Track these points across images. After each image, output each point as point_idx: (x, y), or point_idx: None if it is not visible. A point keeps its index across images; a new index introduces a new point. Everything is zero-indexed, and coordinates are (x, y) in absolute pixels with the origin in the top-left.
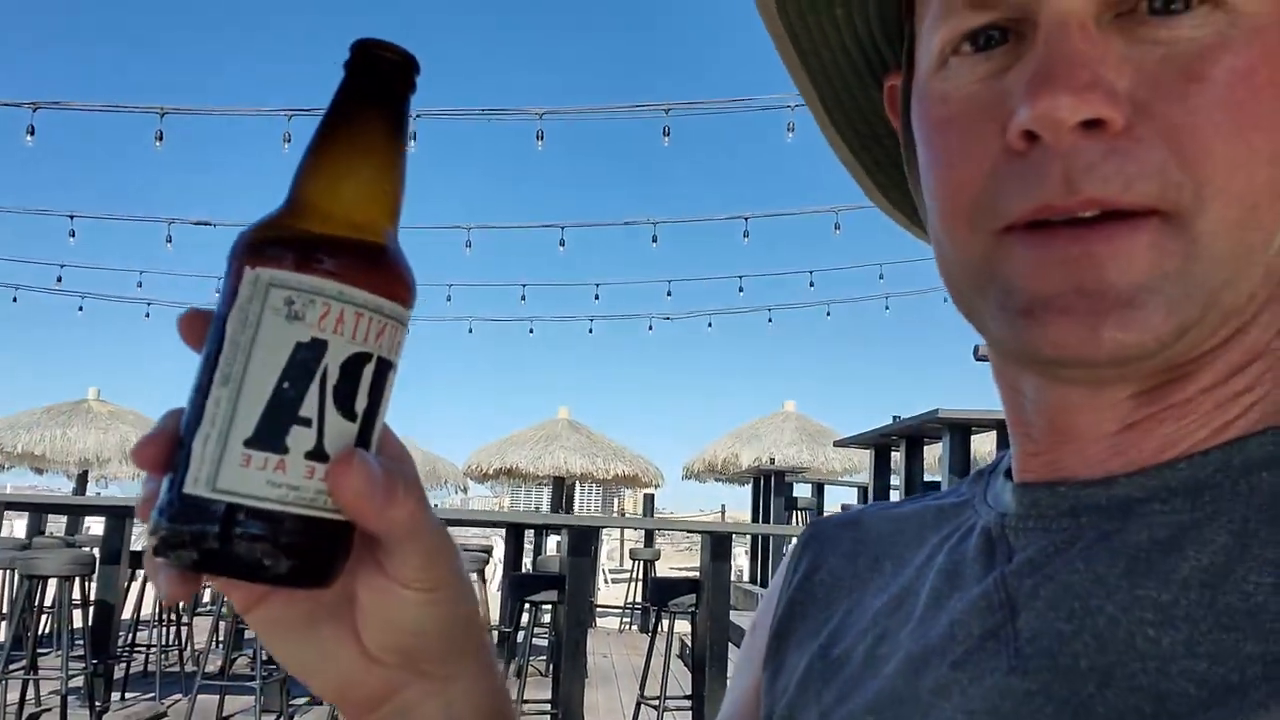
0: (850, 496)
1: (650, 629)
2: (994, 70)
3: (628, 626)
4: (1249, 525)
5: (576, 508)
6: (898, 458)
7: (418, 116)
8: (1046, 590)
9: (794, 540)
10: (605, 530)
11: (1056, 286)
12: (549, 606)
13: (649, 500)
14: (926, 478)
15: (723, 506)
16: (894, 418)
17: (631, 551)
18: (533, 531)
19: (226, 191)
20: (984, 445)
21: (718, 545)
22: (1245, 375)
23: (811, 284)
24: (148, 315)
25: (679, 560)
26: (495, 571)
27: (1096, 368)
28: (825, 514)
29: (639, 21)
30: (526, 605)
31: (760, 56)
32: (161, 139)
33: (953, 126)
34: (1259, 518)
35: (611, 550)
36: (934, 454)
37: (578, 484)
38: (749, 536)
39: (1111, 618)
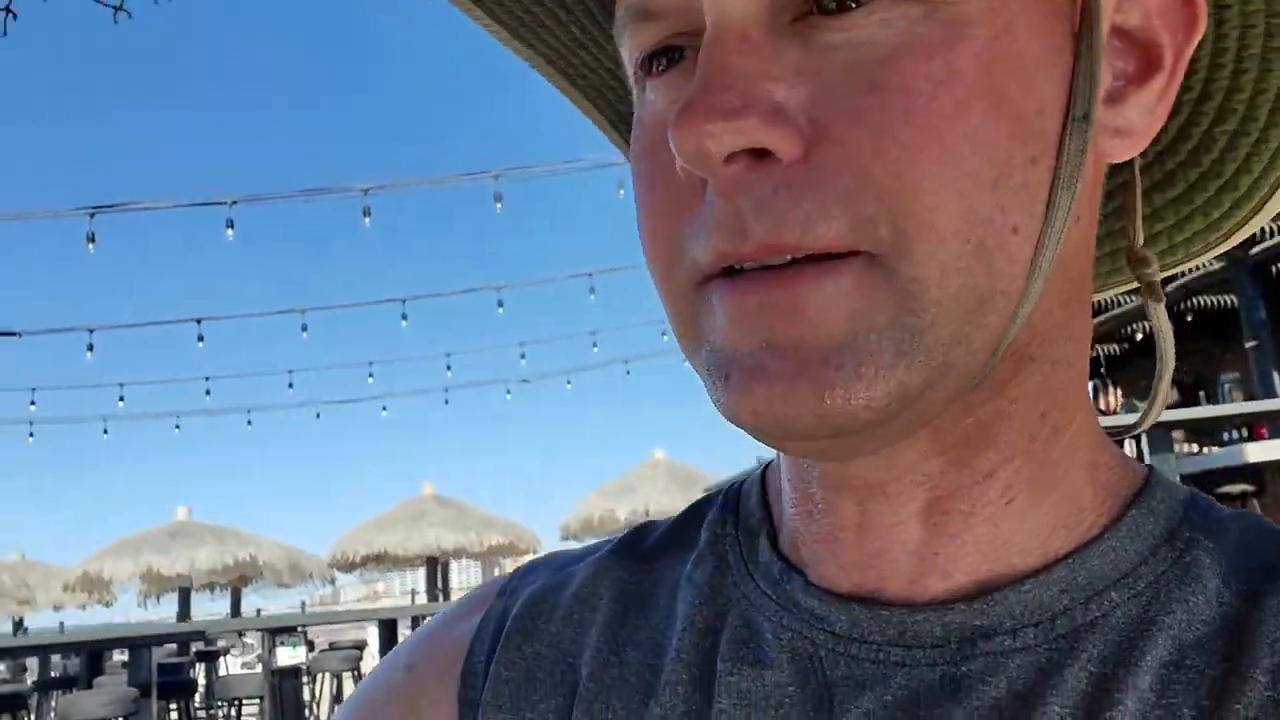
0: None
1: None
2: (677, 95)
3: None
4: (1106, 666)
5: (455, 584)
6: None
7: (233, 204)
8: None
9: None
10: None
11: (748, 343)
12: None
13: None
14: None
15: None
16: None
17: None
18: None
19: (28, 296)
20: None
21: None
22: (1013, 451)
23: (664, 334)
24: None
25: None
26: (372, 665)
27: (811, 440)
28: (534, 557)
29: (464, 91)
30: None
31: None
32: None
33: (645, 163)
34: (1115, 655)
35: None
36: None
37: (452, 560)
38: None
39: None
